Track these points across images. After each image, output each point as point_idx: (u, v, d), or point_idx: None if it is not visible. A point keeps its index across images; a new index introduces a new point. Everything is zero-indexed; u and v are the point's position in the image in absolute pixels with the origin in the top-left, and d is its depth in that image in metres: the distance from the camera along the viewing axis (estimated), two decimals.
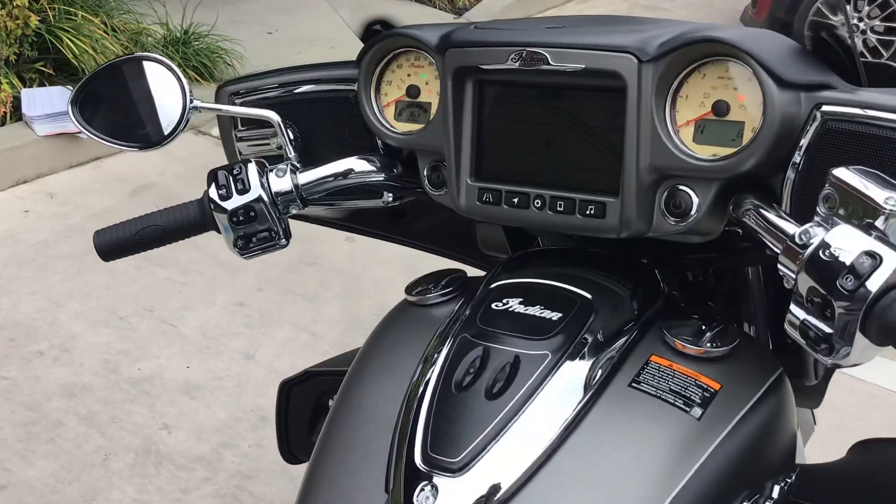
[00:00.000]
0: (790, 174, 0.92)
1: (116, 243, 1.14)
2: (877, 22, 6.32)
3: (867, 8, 6.05)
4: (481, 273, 1.38)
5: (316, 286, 3.31)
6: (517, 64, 1.00)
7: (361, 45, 1.16)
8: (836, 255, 0.77)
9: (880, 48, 6.13)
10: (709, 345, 0.93)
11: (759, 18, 6.60)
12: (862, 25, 5.93)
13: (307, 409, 1.46)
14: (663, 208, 0.98)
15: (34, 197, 3.84)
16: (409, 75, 1.13)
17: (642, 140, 0.95)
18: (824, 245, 0.78)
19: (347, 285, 3.34)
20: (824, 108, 0.90)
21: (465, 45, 1.04)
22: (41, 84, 4.11)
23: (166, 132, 1.17)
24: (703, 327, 0.96)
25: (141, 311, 3.11)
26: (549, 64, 0.98)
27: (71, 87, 4.10)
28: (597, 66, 0.96)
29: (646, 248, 1.12)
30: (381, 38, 1.12)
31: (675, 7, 7.89)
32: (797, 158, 0.91)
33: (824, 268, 0.77)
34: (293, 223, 1.19)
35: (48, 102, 3.98)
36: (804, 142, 0.91)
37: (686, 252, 1.14)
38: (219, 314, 3.13)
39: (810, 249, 0.79)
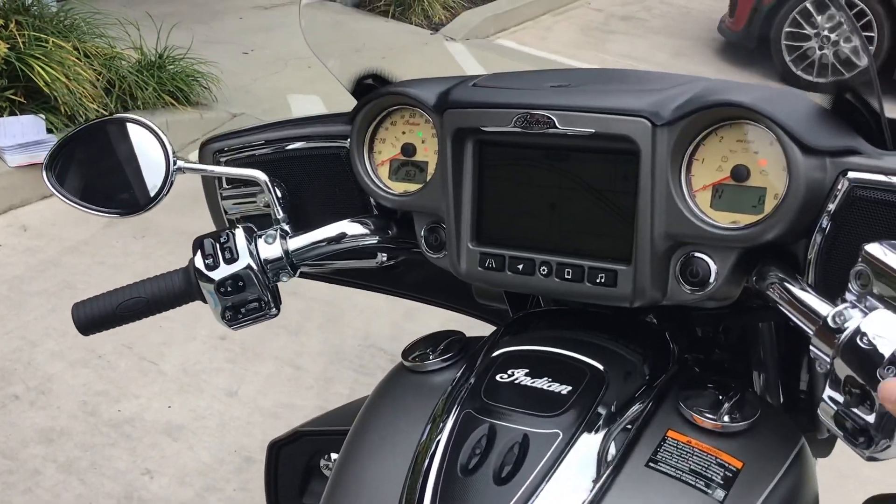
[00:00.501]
0: (816, 241, 0.88)
1: (97, 317, 1.07)
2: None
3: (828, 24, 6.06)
4: (477, 324, 1.35)
5: (299, 318, 3.24)
6: (520, 127, 0.95)
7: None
8: (875, 343, 0.72)
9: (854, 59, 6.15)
10: (727, 418, 0.88)
11: (736, 28, 6.63)
12: (834, 36, 5.95)
13: (298, 471, 1.40)
14: (678, 276, 0.94)
15: (6, 230, 3.74)
16: (404, 133, 1.08)
17: (657, 206, 0.90)
18: (861, 332, 0.73)
19: (330, 315, 3.27)
20: (850, 174, 0.86)
21: (465, 106, 0.99)
22: (12, 113, 4.01)
23: (149, 196, 1.10)
24: (721, 397, 0.91)
25: (120, 348, 3.03)
26: (556, 127, 0.93)
27: (43, 116, 4.02)
28: (608, 130, 0.91)
29: (652, 307, 1.08)
30: (375, 97, 1.06)
31: (651, 17, 7.90)
32: (823, 225, 0.87)
33: (863, 357, 0.72)
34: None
35: (20, 132, 3.88)
36: (831, 208, 0.87)
37: (695, 309, 1.09)
38: (200, 350, 3.06)
39: (846, 335, 0.74)
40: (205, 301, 1.07)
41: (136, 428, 2.69)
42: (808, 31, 5.76)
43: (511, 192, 1.00)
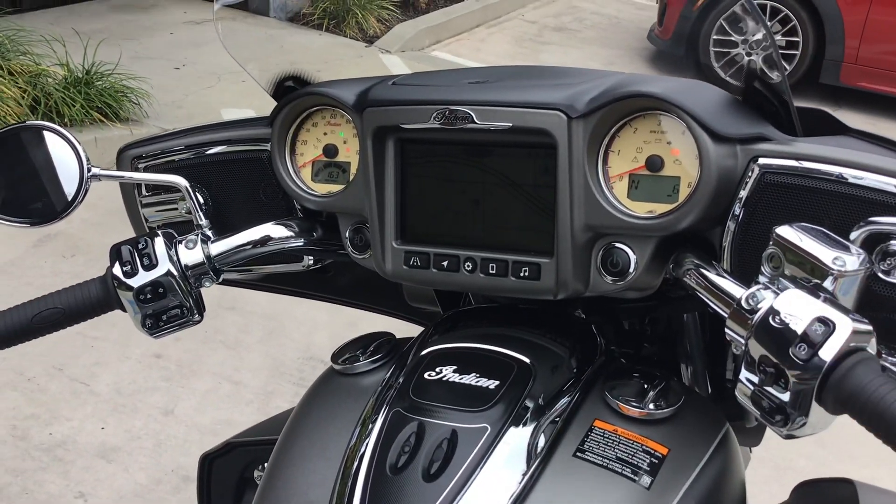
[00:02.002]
0: (730, 228, 0.89)
1: (11, 330, 1.04)
2: (778, 37, 6.54)
3: (769, 23, 6.24)
4: (411, 328, 1.32)
5: (237, 332, 3.20)
6: (440, 123, 0.95)
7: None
8: (787, 321, 0.73)
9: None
10: (652, 406, 0.89)
11: (665, 37, 6.77)
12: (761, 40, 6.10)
13: (231, 484, 1.38)
14: (600, 267, 0.94)
15: None
16: (325, 134, 1.07)
17: (575, 198, 0.91)
18: (774, 311, 0.74)
19: (269, 329, 3.24)
20: (761, 160, 0.87)
21: (384, 104, 0.99)
22: None
23: (62, 205, 1.07)
24: (646, 386, 0.92)
25: (50, 370, 2.94)
26: (475, 122, 0.93)
27: None
28: (524, 124, 0.91)
29: (579, 301, 1.08)
30: (294, 97, 1.05)
31: (584, 28, 8.02)
32: (736, 211, 0.89)
33: (776, 336, 0.73)
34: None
35: None
36: (743, 195, 0.88)
37: (621, 302, 1.10)
38: (134, 369, 2.99)
39: (759, 315, 0.76)
40: (124, 310, 1.04)
41: (68, 451, 2.62)
42: (735, 37, 5.90)
43: (434, 190, 1.00)
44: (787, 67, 6.45)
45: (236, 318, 3.25)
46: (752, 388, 0.76)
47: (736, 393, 0.78)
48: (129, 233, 1.16)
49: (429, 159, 1.00)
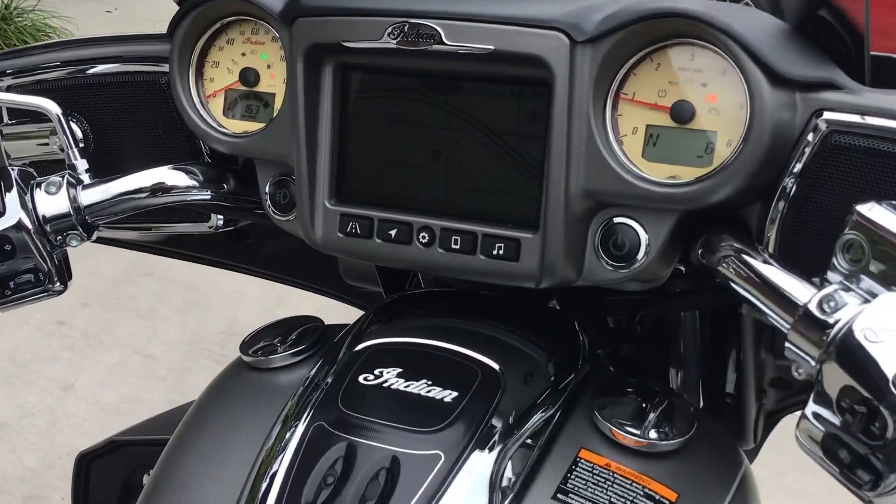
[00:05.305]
0: (779, 206, 0.68)
1: None
2: None
3: None
4: (349, 312, 1.17)
5: (153, 300, 2.96)
6: (396, 41, 0.74)
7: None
8: (884, 339, 0.51)
9: None
10: (655, 433, 0.71)
11: None
12: None
13: (114, 489, 1.22)
14: (598, 248, 0.74)
15: None
16: (243, 55, 0.85)
17: (574, 153, 0.71)
18: (863, 326, 0.52)
19: (190, 299, 3.00)
20: (827, 115, 0.67)
21: (322, 13, 0.77)
22: None
23: None
24: (644, 405, 0.74)
25: None
26: (443, 43, 0.73)
27: None
28: (512, 48, 0.70)
29: (556, 289, 0.87)
30: (202, 1, 0.80)
31: None
32: (788, 184, 0.68)
33: (867, 360, 0.52)
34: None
35: None
36: (801, 159, 0.67)
37: (607, 293, 0.91)
38: (32, 336, 2.75)
39: (841, 329, 0.54)
40: None
41: None
42: None
43: (382, 134, 0.79)
44: None
45: (153, 285, 3.02)
46: (823, 430, 0.54)
47: (797, 435, 0.57)
48: None
49: (378, 93, 0.79)
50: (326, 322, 0.89)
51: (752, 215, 0.72)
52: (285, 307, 2.91)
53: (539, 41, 0.68)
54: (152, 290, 2.99)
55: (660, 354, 1.03)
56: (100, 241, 0.91)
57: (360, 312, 1.25)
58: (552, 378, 0.77)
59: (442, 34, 0.71)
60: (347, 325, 0.88)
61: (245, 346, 0.85)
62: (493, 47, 0.70)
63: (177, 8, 0.87)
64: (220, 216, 0.94)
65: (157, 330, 2.84)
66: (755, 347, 0.96)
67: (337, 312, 1.01)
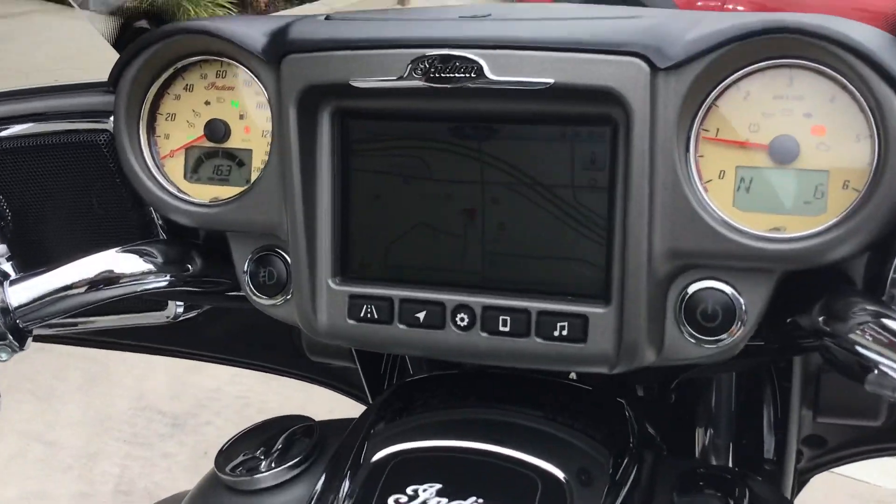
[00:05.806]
0: None
1: None
2: None
3: None
4: (306, 392, 1.09)
5: (50, 378, 2.73)
6: (422, 78, 0.58)
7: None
8: None
9: None
10: None
11: None
12: None
13: None
14: (682, 319, 0.61)
15: None
16: (207, 104, 0.70)
17: (657, 206, 0.56)
18: None
19: (91, 373, 2.79)
20: None
21: (320, 48, 0.60)
22: None
23: None
24: (728, 500, 0.63)
25: None
26: (484, 77, 0.57)
27: None
28: (576, 80, 0.57)
29: None
30: (155, 39, 0.64)
31: None
32: None
33: None
34: None
35: None
36: None
37: None
38: None
39: None
40: None
41: None
42: None
43: (397, 194, 0.65)
44: None
45: (49, 360, 2.77)
46: None
47: None
48: None
49: (390, 142, 0.65)
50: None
51: (857, 264, 0.61)
52: (199, 373, 2.68)
53: (612, 70, 0.56)
54: (49, 367, 2.75)
55: (685, 416, 0.92)
56: (36, 339, 0.72)
57: (326, 393, 1.09)
58: (618, 475, 0.64)
59: (484, 67, 0.57)
60: (339, 421, 0.73)
61: (222, 461, 0.69)
62: (552, 80, 0.56)
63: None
64: (181, 304, 0.77)
65: (59, 412, 2.62)
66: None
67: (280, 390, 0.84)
